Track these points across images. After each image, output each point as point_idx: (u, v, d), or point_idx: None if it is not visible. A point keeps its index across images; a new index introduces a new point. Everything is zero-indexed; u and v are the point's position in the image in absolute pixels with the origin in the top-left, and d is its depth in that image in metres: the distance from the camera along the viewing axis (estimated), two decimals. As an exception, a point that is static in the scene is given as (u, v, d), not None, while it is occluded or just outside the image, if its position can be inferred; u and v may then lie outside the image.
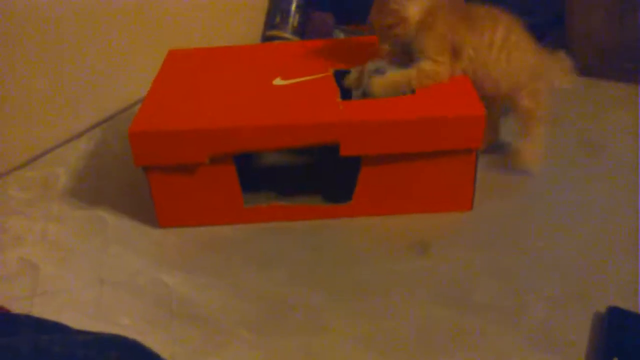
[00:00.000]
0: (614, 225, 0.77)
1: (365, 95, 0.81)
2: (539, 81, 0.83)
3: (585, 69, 1.20)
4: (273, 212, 0.81)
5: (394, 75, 0.79)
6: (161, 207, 0.81)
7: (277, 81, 0.84)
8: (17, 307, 0.70)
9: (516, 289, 0.69)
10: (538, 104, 0.83)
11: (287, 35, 1.50)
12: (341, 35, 1.49)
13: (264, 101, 0.80)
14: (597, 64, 1.19)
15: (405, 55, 0.81)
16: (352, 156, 0.76)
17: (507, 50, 0.80)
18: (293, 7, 1.51)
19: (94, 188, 0.93)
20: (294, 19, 1.51)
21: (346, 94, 0.82)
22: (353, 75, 0.84)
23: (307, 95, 0.80)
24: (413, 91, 0.79)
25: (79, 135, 1.09)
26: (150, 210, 0.83)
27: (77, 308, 0.71)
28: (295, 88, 0.82)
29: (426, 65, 0.79)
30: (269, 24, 1.54)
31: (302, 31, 1.53)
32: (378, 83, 0.79)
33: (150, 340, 0.54)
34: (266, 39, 1.53)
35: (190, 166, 0.77)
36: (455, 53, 0.79)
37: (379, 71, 0.81)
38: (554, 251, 0.74)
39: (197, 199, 0.80)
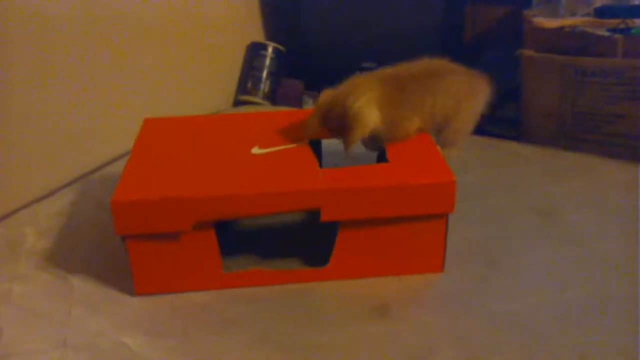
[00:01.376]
0: (571, 291, 0.80)
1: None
2: (463, 116, 0.90)
3: (539, 138, 1.27)
4: (252, 277, 0.83)
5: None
6: (138, 276, 0.81)
7: (256, 150, 0.87)
8: (-22, 369, 0.70)
9: (474, 355, 0.71)
10: (461, 138, 0.91)
11: (258, 100, 1.55)
12: (310, 101, 1.54)
13: (246, 169, 0.83)
14: (553, 133, 1.25)
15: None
16: (331, 221, 0.80)
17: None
18: (264, 73, 1.57)
19: (62, 249, 0.93)
20: (265, 84, 1.56)
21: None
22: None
23: (287, 163, 0.84)
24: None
25: (49, 195, 1.10)
26: (117, 272, 0.84)
27: (39, 371, 0.71)
28: (274, 156, 0.86)
29: None
30: (241, 88, 1.59)
31: (273, 96, 1.59)
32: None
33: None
34: (238, 103, 1.58)
35: (169, 234, 0.79)
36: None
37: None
38: (512, 316, 0.76)
39: (175, 265, 0.81)
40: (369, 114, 0.82)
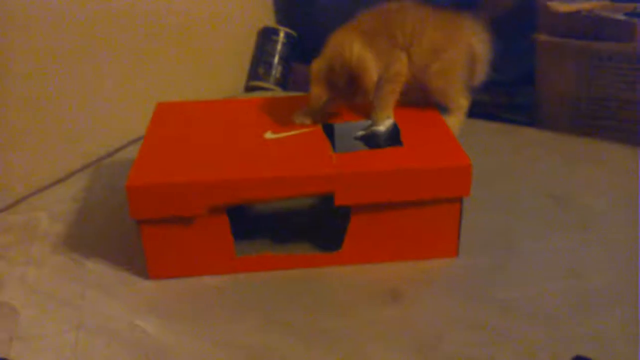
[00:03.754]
0: (582, 278, 0.80)
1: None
2: (444, 57, 0.87)
3: (554, 124, 1.25)
4: (264, 261, 0.83)
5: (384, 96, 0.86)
6: (152, 260, 0.82)
7: (269, 134, 0.87)
8: (-5, 351, 0.71)
9: (485, 340, 0.71)
10: (447, 82, 0.87)
11: (269, 85, 1.55)
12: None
13: (259, 154, 0.83)
14: (567, 119, 1.24)
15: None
16: (344, 205, 0.80)
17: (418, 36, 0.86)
18: (276, 59, 1.57)
19: (75, 233, 0.94)
20: (276, 70, 1.56)
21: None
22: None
23: (300, 147, 0.84)
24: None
25: (62, 179, 1.10)
26: (130, 256, 0.85)
27: (54, 353, 0.71)
28: (287, 141, 0.86)
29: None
30: (253, 74, 1.58)
31: (284, 82, 1.58)
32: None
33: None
34: (249, 89, 1.58)
35: (183, 218, 0.79)
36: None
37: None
38: (523, 302, 0.76)
39: (189, 250, 0.82)
40: (370, 58, 0.82)
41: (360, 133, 0.89)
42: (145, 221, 0.79)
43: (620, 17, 1.18)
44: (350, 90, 0.84)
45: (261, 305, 0.78)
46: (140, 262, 0.83)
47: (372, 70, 0.82)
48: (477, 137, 1.17)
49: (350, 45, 0.82)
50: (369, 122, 0.89)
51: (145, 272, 0.83)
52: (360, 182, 0.78)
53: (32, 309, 0.78)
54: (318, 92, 0.84)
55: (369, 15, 0.89)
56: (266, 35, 1.58)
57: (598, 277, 0.79)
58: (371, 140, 0.89)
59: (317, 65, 0.85)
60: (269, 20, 1.64)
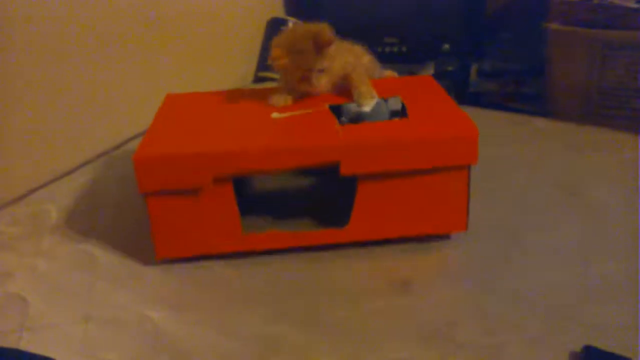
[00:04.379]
0: (590, 268, 0.79)
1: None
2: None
3: (565, 114, 1.24)
4: (271, 239, 0.83)
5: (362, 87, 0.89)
6: (160, 238, 0.82)
7: (275, 114, 0.87)
8: (6, 340, 0.71)
9: (494, 329, 0.71)
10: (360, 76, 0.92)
11: (278, 76, 1.54)
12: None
13: (265, 129, 0.84)
14: (577, 109, 1.23)
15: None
16: (350, 177, 0.79)
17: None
18: (284, 50, 1.55)
19: (84, 224, 0.94)
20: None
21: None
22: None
23: (307, 123, 0.84)
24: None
25: (71, 172, 1.11)
26: (139, 247, 0.85)
27: (64, 343, 0.72)
28: (294, 119, 0.86)
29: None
30: (261, 65, 1.58)
31: (292, 73, 1.57)
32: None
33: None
34: (258, 79, 1.57)
35: (190, 192, 0.79)
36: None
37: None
38: (533, 291, 0.76)
39: (196, 227, 0.82)
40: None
41: (347, 118, 0.90)
42: (153, 195, 0.79)
43: (632, 4, 1.17)
44: (310, 52, 0.87)
45: (270, 295, 0.78)
46: (149, 253, 0.83)
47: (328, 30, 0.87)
48: (487, 127, 1.16)
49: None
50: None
51: (154, 263, 0.83)
52: (366, 151, 0.78)
53: (41, 300, 0.79)
54: (278, 53, 0.88)
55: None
56: (275, 26, 1.57)
57: (607, 266, 0.79)
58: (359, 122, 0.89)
59: (277, 39, 0.90)
60: (278, 11, 1.63)
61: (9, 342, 0.71)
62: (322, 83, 0.89)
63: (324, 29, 0.87)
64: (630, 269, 0.78)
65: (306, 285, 0.79)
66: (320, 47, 0.86)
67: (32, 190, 1.05)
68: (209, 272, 0.82)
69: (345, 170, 0.78)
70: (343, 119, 0.89)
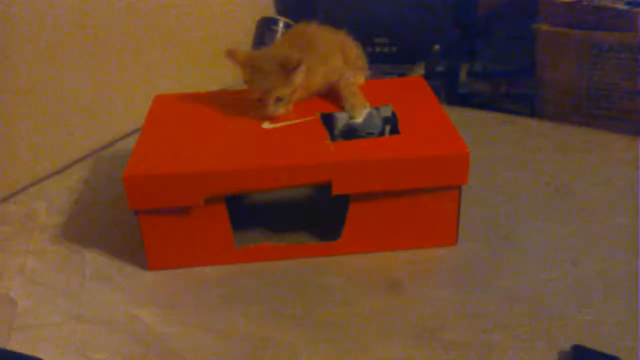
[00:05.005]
0: (581, 267, 0.80)
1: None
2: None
3: (555, 114, 1.25)
4: (263, 252, 0.83)
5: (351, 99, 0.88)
6: (151, 251, 0.82)
7: (266, 124, 0.87)
8: (-7, 341, 0.71)
9: (484, 328, 0.71)
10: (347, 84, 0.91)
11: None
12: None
13: (256, 144, 0.83)
14: (567, 110, 1.24)
15: None
16: (342, 194, 0.79)
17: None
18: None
19: (74, 224, 0.94)
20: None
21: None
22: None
23: (297, 137, 0.83)
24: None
25: (61, 171, 1.10)
26: (130, 247, 0.85)
27: (53, 343, 0.71)
28: (285, 131, 0.85)
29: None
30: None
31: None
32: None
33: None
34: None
35: (182, 209, 0.79)
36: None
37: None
38: (522, 290, 0.76)
39: (188, 240, 0.82)
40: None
41: (338, 129, 0.89)
42: (144, 212, 0.79)
43: (621, 6, 1.18)
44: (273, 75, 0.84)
45: (261, 296, 0.78)
46: (140, 253, 0.82)
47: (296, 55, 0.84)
48: (478, 127, 1.17)
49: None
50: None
51: (144, 263, 0.83)
52: (357, 171, 0.78)
53: (31, 300, 0.78)
54: (242, 57, 0.87)
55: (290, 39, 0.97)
56: (265, 25, 1.57)
57: (597, 265, 0.79)
58: (350, 134, 0.89)
59: (243, 54, 0.88)
60: (268, 10, 1.63)
61: (-2, 342, 0.71)
62: (278, 112, 0.86)
63: (292, 55, 0.84)
64: (619, 269, 0.79)
65: (297, 285, 0.79)
66: (286, 71, 0.83)
67: (22, 189, 1.04)
68: (200, 273, 0.82)
69: (336, 189, 0.79)
70: (335, 132, 0.89)
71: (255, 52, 0.88)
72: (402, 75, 1.47)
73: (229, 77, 1.53)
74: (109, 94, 1.20)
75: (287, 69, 0.83)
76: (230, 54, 0.88)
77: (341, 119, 0.89)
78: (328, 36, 0.96)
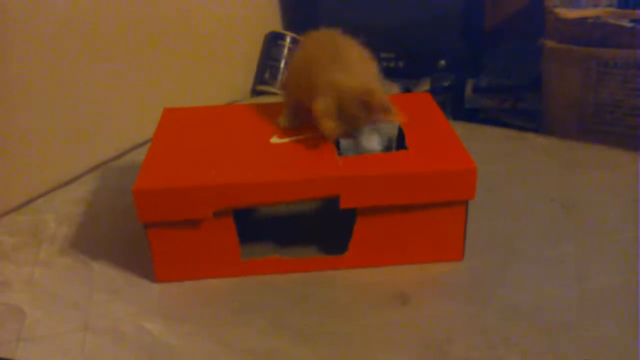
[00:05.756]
0: (588, 283, 0.80)
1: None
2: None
3: (561, 130, 1.26)
4: (270, 265, 0.84)
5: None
6: (159, 263, 0.82)
7: (274, 139, 0.87)
8: (2, 351, 0.71)
9: (491, 344, 0.71)
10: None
11: (276, 90, 1.55)
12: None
13: (265, 158, 0.84)
14: (573, 126, 1.24)
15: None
16: (350, 209, 0.80)
17: None
18: (282, 64, 1.57)
19: (82, 235, 0.94)
20: (282, 75, 1.56)
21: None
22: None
23: (305, 152, 0.84)
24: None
25: (70, 182, 1.11)
26: (138, 258, 0.85)
27: (61, 353, 0.71)
28: (293, 146, 0.86)
29: None
30: (259, 78, 1.59)
31: (290, 87, 1.58)
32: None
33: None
34: (256, 93, 1.58)
35: (190, 221, 0.80)
36: None
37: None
38: (530, 306, 0.76)
39: (195, 254, 0.82)
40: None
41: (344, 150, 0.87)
42: (153, 224, 0.80)
43: (626, 24, 1.18)
44: (362, 114, 0.82)
45: (267, 308, 0.78)
46: (147, 265, 0.83)
47: (378, 87, 0.81)
48: (483, 142, 1.17)
49: (345, 78, 0.81)
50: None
51: (152, 274, 0.83)
52: (365, 185, 0.79)
53: (39, 311, 0.79)
54: (332, 126, 0.81)
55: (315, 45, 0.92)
56: (273, 40, 1.59)
57: (603, 282, 0.79)
58: None
59: (323, 104, 0.81)
60: (276, 25, 1.65)
61: (6, 353, 0.71)
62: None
63: (374, 92, 0.80)
64: (627, 284, 0.78)
65: (304, 299, 0.79)
66: (371, 111, 0.81)
67: (31, 200, 1.05)
68: (207, 285, 0.82)
69: (344, 204, 0.79)
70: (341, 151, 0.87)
71: (326, 100, 0.81)
72: (407, 90, 1.48)
73: (237, 91, 1.54)
74: (117, 106, 1.21)
75: (374, 109, 0.81)
76: (328, 129, 0.81)
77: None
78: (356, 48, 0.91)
